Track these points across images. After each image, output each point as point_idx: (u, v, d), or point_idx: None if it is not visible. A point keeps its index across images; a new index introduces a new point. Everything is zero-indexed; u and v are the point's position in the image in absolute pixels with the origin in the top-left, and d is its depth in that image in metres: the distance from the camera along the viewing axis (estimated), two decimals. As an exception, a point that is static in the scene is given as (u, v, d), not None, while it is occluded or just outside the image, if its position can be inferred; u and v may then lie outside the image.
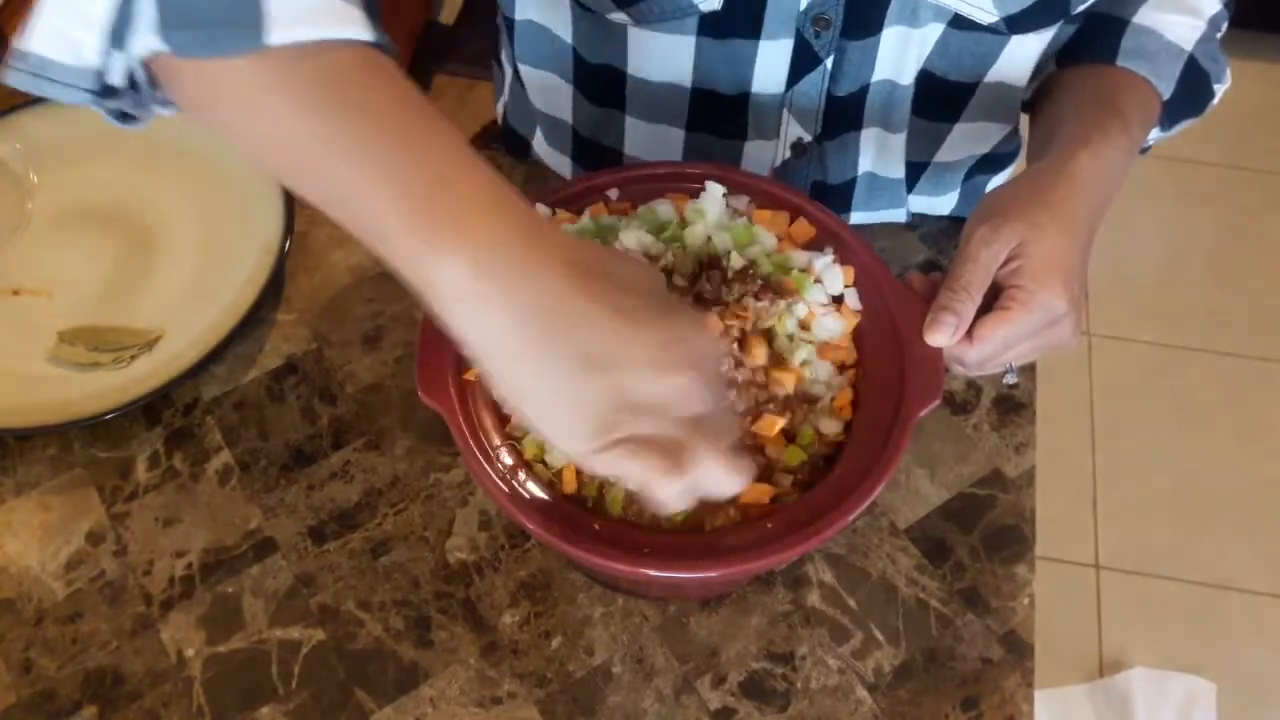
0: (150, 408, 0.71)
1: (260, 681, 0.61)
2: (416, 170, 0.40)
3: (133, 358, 0.71)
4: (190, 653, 0.62)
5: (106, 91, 0.44)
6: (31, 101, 0.82)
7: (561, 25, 0.71)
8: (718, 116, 0.72)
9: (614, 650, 0.62)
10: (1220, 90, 0.69)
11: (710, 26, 0.65)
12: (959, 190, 0.84)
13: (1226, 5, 0.68)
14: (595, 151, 0.81)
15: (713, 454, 0.41)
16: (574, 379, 0.39)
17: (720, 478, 0.42)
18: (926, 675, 0.62)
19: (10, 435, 0.69)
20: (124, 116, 0.47)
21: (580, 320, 0.39)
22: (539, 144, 0.87)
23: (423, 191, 0.39)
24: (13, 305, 0.75)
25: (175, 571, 0.65)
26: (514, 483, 0.52)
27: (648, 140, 0.76)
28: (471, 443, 0.53)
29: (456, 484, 0.68)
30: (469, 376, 0.56)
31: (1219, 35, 0.68)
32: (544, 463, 0.53)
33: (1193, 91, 0.66)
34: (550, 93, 0.79)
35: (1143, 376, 1.84)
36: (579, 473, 0.53)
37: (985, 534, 0.67)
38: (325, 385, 0.73)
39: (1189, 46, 0.65)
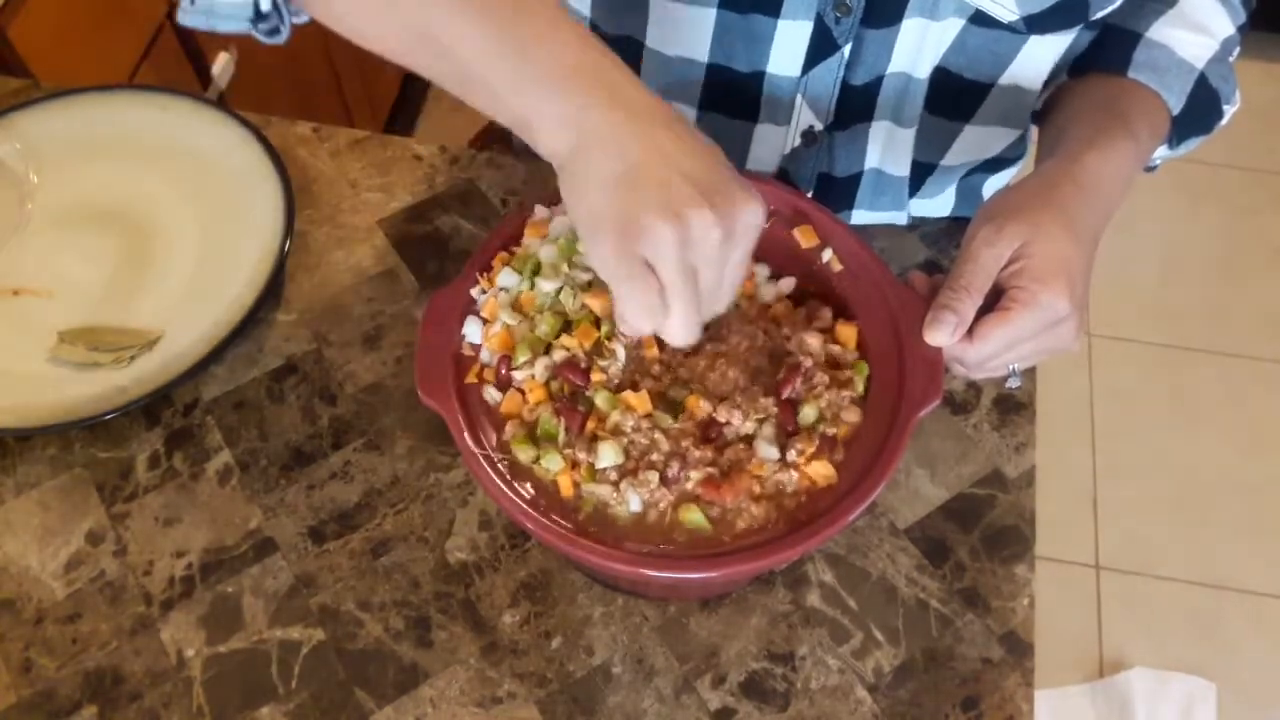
0: (150, 408, 0.71)
1: (260, 681, 0.61)
2: (520, 41, 0.48)
3: (133, 358, 0.71)
4: (190, 653, 0.62)
5: (259, 16, 0.54)
6: (31, 101, 0.83)
7: None
8: (731, 97, 0.72)
9: (614, 650, 0.62)
10: (1230, 111, 0.69)
11: (733, 0, 0.65)
12: (955, 187, 0.84)
13: (1240, 29, 0.68)
14: None
15: (688, 310, 0.47)
16: (619, 183, 0.46)
17: (681, 331, 0.48)
18: (926, 675, 0.62)
19: (10, 435, 0.69)
20: (271, 32, 0.55)
21: (643, 148, 0.46)
22: None
23: (518, 59, 0.48)
24: (13, 305, 0.75)
25: (175, 571, 0.65)
26: (514, 483, 0.52)
27: None
28: (471, 443, 0.53)
29: (456, 484, 0.68)
30: (469, 379, 0.56)
31: (1231, 58, 0.68)
32: (541, 464, 0.53)
33: (1202, 110, 0.67)
34: None
35: (1143, 376, 1.84)
36: (575, 480, 0.53)
37: (985, 534, 0.67)
38: (325, 385, 0.73)
39: (1200, 64, 0.65)
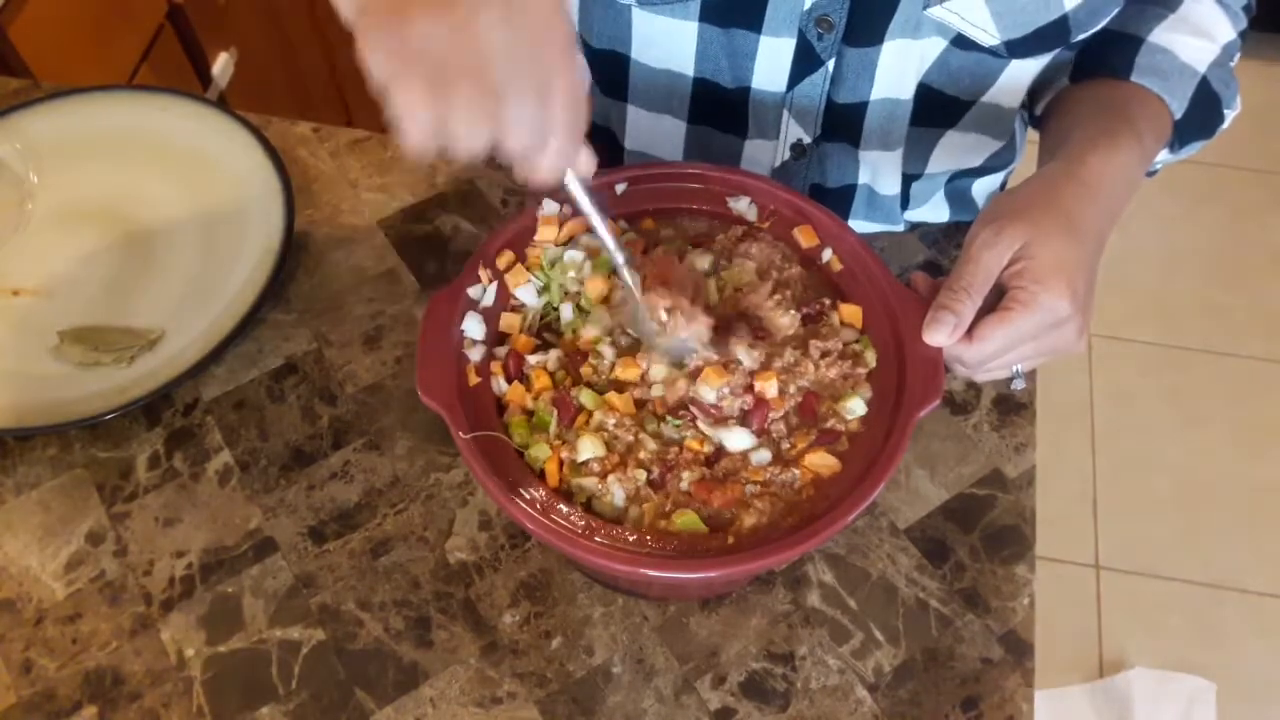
0: (150, 408, 0.71)
1: (260, 681, 0.61)
2: None
3: (133, 358, 0.71)
4: (190, 653, 0.62)
5: None
6: (31, 101, 0.83)
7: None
8: (719, 111, 0.72)
9: (614, 650, 0.62)
10: (1230, 115, 0.69)
11: (713, 13, 0.65)
12: (943, 193, 0.84)
13: (1241, 35, 0.69)
14: (601, 138, 0.81)
15: (475, 100, 0.40)
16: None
17: (467, 127, 0.40)
18: (926, 675, 0.62)
19: (10, 435, 0.69)
20: None
21: None
22: None
23: None
24: (13, 305, 0.75)
25: (175, 571, 0.65)
26: (513, 483, 0.52)
27: (649, 131, 0.76)
28: (471, 443, 0.53)
29: (456, 484, 0.68)
30: (470, 379, 0.56)
31: (1231, 63, 0.69)
32: (530, 453, 0.54)
33: (1204, 113, 0.67)
34: None
35: (1143, 376, 1.84)
36: (561, 467, 0.53)
37: (985, 534, 0.67)
38: (325, 385, 0.73)
39: (1202, 69, 0.66)
